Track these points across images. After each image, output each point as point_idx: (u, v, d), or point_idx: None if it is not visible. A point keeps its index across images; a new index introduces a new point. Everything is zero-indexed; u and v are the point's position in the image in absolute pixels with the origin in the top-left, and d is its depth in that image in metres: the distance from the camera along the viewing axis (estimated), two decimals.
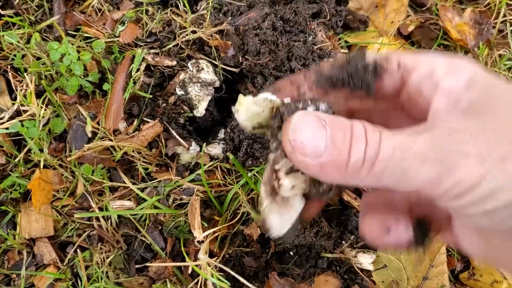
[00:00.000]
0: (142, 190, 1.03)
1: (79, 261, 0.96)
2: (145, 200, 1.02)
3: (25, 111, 1.03)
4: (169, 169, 1.07)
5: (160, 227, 1.02)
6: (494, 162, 0.38)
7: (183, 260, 1.00)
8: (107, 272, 0.96)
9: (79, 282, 0.95)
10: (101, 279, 0.94)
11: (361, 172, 0.41)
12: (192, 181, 1.05)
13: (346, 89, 0.51)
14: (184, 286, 0.97)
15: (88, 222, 1.02)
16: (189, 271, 0.98)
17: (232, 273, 0.95)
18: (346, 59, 0.51)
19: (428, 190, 0.40)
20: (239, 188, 1.02)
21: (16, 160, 1.01)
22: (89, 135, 1.00)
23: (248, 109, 0.50)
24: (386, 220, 0.52)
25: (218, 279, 0.92)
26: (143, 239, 1.01)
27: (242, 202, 1.03)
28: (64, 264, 0.97)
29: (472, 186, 0.38)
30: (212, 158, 1.10)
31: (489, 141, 0.39)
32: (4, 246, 0.96)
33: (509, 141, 0.39)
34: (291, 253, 1.09)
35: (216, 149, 1.11)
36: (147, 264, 0.97)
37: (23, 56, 1.08)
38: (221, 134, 1.14)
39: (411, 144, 0.40)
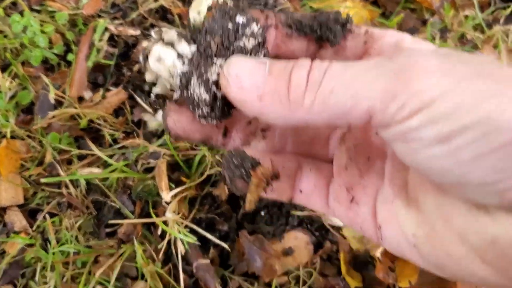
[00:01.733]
0: (110, 157, 1.05)
1: (48, 226, 0.97)
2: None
3: None
4: (136, 136, 1.08)
5: (129, 192, 1.03)
6: (461, 78, 0.32)
7: (153, 222, 1.01)
8: (76, 236, 0.97)
9: (49, 246, 0.96)
10: (71, 242, 0.96)
11: (305, 99, 0.37)
12: (160, 146, 1.06)
13: (310, 37, 0.48)
14: (153, 246, 0.98)
15: (58, 190, 1.03)
16: (159, 232, 0.99)
17: (200, 230, 0.97)
18: (319, 11, 0.49)
19: (379, 113, 0.35)
20: (206, 151, 1.04)
21: None
22: (52, 101, 1.01)
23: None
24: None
25: (185, 234, 0.93)
26: (113, 204, 1.03)
27: (209, 164, 1.04)
28: (34, 230, 0.98)
29: (431, 100, 0.32)
30: None
31: (455, 63, 0.34)
32: None
33: (476, 66, 0.34)
34: (262, 213, 1.10)
35: None
36: (116, 222, 0.98)
37: None
38: None
39: (364, 62, 0.37)
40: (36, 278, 0.94)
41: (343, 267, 1.03)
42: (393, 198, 0.44)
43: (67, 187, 1.03)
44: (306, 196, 0.50)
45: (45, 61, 1.08)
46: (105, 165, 1.06)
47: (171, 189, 0.99)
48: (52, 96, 1.00)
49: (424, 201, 0.40)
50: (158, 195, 1.02)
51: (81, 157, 1.06)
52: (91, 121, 1.05)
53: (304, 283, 1.01)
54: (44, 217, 0.99)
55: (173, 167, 1.07)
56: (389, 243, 0.44)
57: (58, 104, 1.05)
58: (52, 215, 1.00)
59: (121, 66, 1.11)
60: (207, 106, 0.43)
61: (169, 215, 0.96)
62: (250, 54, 0.44)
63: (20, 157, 1.00)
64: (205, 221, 1.05)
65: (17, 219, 0.99)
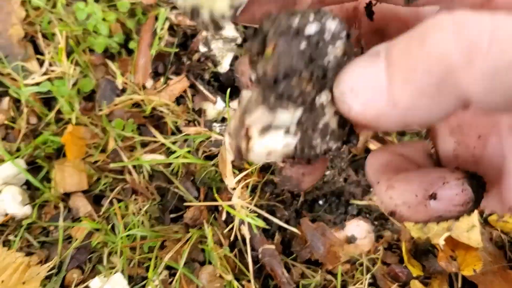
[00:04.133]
0: (173, 144, 1.05)
1: (114, 211, 0.97)
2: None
3: (54, 72, 1.05)
4: (197, 124, 1.09)
5: (192, 178, 1.03)
6: None
7: (217, 207, 1.01)
8: (142, 222, 0.97)
9: (116, 231, 0.96)
10: (137, 227, 0.96)
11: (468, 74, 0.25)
12: (220, 134, 1.07)
13: None
14: (220, 230, 0.97)
15: (121, 177, 1.03)
16: (223, 218, 0.99)
17: (266, 214, 0.97)
18: None
19: None
20: None
21: (48, 118, 1.03)
22: (120, 87, 1.02)
23: None
24: (427, 183, 0.36)
25: (253, 218, 0.93)
26: (176, 190, 1.03)
27: None
28: (100, 215, 0.98)
29: None
30: None
31: None
32: (40, 200, 0.97)
33: None
34: (321, 202, 1.10)
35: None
36: (186, 205, 0.98)
37: (49, 22, 1.10)
38: None
39: None
40: (104, 263, 0.93)
41: (405, 256, 1.03)
42: None
43: (130, 173, 1.04)
44: None
45: (105, 50, 1.09)
46: (168, 152, 1.06)
47: (234, 175, 1.00)
48: (119, 81, 1.01)
49: None
50: (221, 181, 1.02)
51: (143, 145, 1.06)
52: (153, 108, 1.06)
53: (368, 271, 1.01)
54: (110, 203, 0.99)
55: None
56: None
57: (121, 92, 1.05)
58: (116, 200, 1.00)
59: (180, 56, 1.12)
60: (336, 144, 0.34)
61: (235, 199, 0.96)
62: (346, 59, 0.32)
63: (84, 143, 1.01)
64: (266, 208, 1.05)
65: (81, 205, 0.99)
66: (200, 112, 1.11)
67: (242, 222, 0.98)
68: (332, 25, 0.31)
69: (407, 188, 0.36)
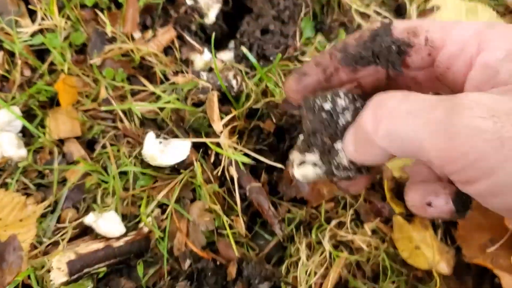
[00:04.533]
0: (162, 92, 1.09)
1: (107, 154, 1.01)
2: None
3: (46, 24, 1.09)
4: (185, 73, 1.13)
5: (181, 124, 1.08)
6: None
7: (206, 151, 1.05)
8: (135, 163, 1.02)
9: (109, 173, 1.00)
10: (129, 164, 1.00)
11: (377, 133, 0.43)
12: (208, 82, 1.11)
13: (374, 66, 0.52)
14: (209, 170, 1.02)
15: (113, 124, 1.07)
16: (212, 160, 1.04)
17: (253, 154, 1.01)
18: (371, 34, 0.51)
19: (437, 167, 0.40)
20: (253, 85, 1.08)
21: (41, 69, 1.07)
22: (109, 34, 1.06)
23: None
24: (426, 193, 0.49)
25: (239, 156, 0.97)
26: (166, 136, 1.07)
27: (255, 97, 1.09)
28: (93, 158, 1.03)
29: (490, 170, 0.34)
30: (224, 63, 1.16)
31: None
32: (36, 145, 1.01)
33: None
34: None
35: (227, 55, 1.17)
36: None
37: None
38: (231, 45, 1.21)
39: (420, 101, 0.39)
40: (98, 201, 0.98)
41: (387, 194, 1.08)
42: None
43: (122, 121, 1.08)
44: None
45: (95, 5, 1.13)
46: (157, 101, 1.11)
47: (221, 119, 1.04)
48: (109, 30, 1.05)
49: None
50: (209, 126, 1.06)
51: (133, 94, 1.11)
52: (142, 59, 1.10)
53: (351, 206, 1.05)
54: (103, 147, 1.03)
55: (220, 101, 1.11)
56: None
57: (111, 42, 1.09)
58: (109, 146, 1.04)
59: (168, 9, 1.16)
60: (350, 173, 0.52)
61: (222, 139, 1.00)
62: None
63: (76, 91, 1.05)
64: (253, 152, 1.10)
65: (75, 149, 1.03)
66: (187, 62, 1.15)
67: (230, 163, 1.02)
68: (342, 102, 0.49)
69: (414, 195, 0.50)
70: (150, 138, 1.01)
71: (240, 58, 1.17)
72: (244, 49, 1.08)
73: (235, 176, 1.01)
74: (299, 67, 0.61)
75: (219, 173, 1.03)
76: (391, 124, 0.40)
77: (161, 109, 1.10)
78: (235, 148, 1.00)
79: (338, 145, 0.50)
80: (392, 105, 0.40)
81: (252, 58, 1.07)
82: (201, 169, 1.01)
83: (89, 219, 0.93)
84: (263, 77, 1.07)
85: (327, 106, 0.49)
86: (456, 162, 0.35)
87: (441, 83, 0.50)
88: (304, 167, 0.55)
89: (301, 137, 0.57)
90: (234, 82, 1.08)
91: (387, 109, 0.41)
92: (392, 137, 0.40)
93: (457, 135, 0.34)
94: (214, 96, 1.03)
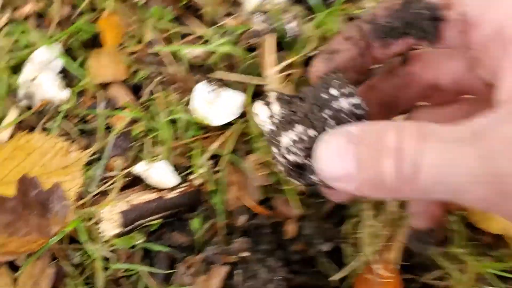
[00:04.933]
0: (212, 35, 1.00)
1: (154, 99, 0.93)
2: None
3: None
4: (236, 15, 1.04)
5: (233, 70, 0.99)
6: None
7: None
8: (185, 110, 0.94)
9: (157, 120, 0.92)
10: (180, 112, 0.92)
11: (403, 189, 0.35)
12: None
13: (407, 38, 0.47)
14: None
15: (159, 69, 0.99)
16: None
17: None
18: (402, 2, 0.46)
19: (484, 208, 0.35)
20: (313, 28, 0.99)
21: (82, 6, 0.98)
22: None
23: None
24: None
25: None
26: (215, 85, 0.98)
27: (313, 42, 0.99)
28: (140, 104, 0.95)
29: None
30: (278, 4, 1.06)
31: None
32: (78, 87, 0.93)
33: None
34: None
35: None
36: None
37: None
38: None
39: (459, 159, 0.32)
40: (147, 150, 0.90)
41: None
42: None
43: (169, 66, 0.99)
44: None
45: None
46: (206, 45, 1.02)
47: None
48: None
49: None
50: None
51: (180, 37, 1.02)
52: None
53: None
54: (150, 93, 0.95)
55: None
56: None
57: None
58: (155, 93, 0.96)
59: None
60: (283, 168, 0.49)
61: (274, 83, 0.92)
62: (345, 117, 0.44)
63: (121, 31, 0.96)
64: None
65: (120, 94, 0.95)
66: (239, 5, 1.05)
67: None
68: (347, 102, 0.45)
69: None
70: (200, 90, 0.92)
71: (294, 1, 1.07)
72: None
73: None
74: (324, 46, 0.53)
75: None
76: (429, 175, 0.33)
77: (210, 54, 1.01)
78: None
79: (299, 128, 0.46)
80: (432, 154, 0.33)
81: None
82: (254, 120, 0.93)
83: (139, 168, 0.85)
84: (323, 21, 0.97)
85: (334, 91, 0.45)
86: (506, 210, 0.33)
87: (478, 73, 0.44)
88: (261, 108, 0.51)
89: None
90: (290, 26, 0.98)
91: (426, 158, 0.33)
92: (426, 187, 0.34)
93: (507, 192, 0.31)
94: (270, 39, 0.93)
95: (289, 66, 0.98)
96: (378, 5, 0.48)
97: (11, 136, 0.89)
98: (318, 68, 0.50)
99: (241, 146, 0.94)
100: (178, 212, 0.87)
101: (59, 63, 0.94)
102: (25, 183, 0.81)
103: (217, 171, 0.92)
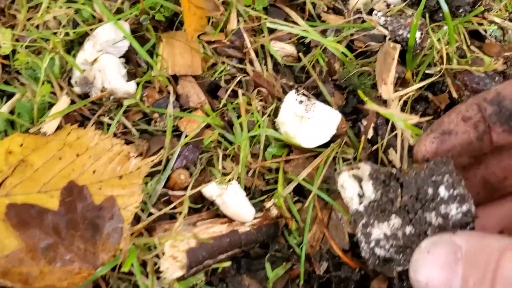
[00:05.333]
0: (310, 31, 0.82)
1: (233, 105, 0.76)
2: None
3: None
4: (339, 12, 0.85)
5: (332, 78, 0.81)
6: None
7: (357, 118, 0.79)
8: (267, 126, 0.76)
9: (234, 131, 0.75)
10: (262, 128, 0.75)
11: None
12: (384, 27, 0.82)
13: None
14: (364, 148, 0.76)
15: (241, 66, 0.82)
16: (369, 135, 0.78)
17: None
18: None
19: None
20: (438, 39, 0.80)
21: None
22: None
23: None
24: None
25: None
26: (305, 92, 0.81)
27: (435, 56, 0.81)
28: (215, 108, 0.78)
29: None
30: (388, 6, 0.87)
31: None
32: (145, 78, 0.76)
33: None
34: None
35: None
36: None
37: None
38: None
39: None
40: (219, 166, 0.74)
41: None
42: None
43: (252, 63, 0.82)
44: None
45: None
46: (301, 43, 0.84)
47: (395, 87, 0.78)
48: None
49: None
50: (372, 87, 0.79)
51: (270, 30, 0.84)
52: None
53: None
54: (230, 94, 0.78)
55: None
56: None
57: None
58: (235, 94, 0.79)
59: None
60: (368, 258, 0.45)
61: (395, 112, 0.73)
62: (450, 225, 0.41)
63: (205, 15, 0.78)
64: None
65: (193, 92, 0.78)
66: (345, 1, 0.87)
67: (391, 143, 0.77)
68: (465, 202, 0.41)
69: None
70: (290, 100, 0.75)
71: (412, 2, 0.87)
72: None
73: (397, 163, 0.76)
74: (436, 123, 0.47)
75: (371, 151, 0.78)
76: None
77: (304, 53, 0.83)
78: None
79: (396, 220, 0.43)
80: None
81: (443, 3, 0.77)
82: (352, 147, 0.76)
83: (211, 191, 0.69)
84: (451, 33, 0.78)
85: (444, 193, 0.41)
86: None
87: None
88: (350, 182, 0.47)
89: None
90: (416, 36, 0.79)
91: None
92: None
93: None
94: (395, 50, 0.75)
95: (404, 82, 0.80)
96: (504, 83, 0.44)
97: (58, 128, 0.72)
98: (427, 148, 0.46)
99: (333, 175, 0.77)
100: (250, 249, 0.71)
101: (125, 45, 0.77)
102: (72, 193, 0.66)
103: (298, 200, 0.76)
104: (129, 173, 0.71)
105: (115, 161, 0.71)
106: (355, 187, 0.47)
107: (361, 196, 0.46)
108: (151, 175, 0.72)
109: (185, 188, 0.72)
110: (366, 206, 0.45)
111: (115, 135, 0.74)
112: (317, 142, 0.74)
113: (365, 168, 0.47)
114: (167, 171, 0.72)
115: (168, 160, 0.73)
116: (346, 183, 0.47)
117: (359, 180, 0.47)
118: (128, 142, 0.74)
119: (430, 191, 0.42)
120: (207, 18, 0.80)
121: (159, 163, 0.73)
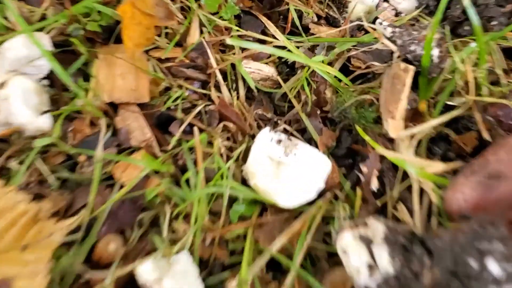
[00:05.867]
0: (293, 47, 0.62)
1: (190, 144, 0.57)
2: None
3: None
4: (334, 23, 0.66)
5: (322, 109, 0.61)
6: None
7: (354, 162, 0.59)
8: (234, 173, 0.57)
9: (190, 182, 0.56)
10: (226, 178, 0.55)
11: None
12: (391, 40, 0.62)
13: None
14: (364, 204, 0.56)
15: (203, 91, 0.62)
16: (374, 186, 0.58)
17: None
18: None
19: None
20: (462, 60, 0.60)
21: None
22: None
23: None
24: None
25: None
26: (287, 127, 0.61)
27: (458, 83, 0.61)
28: (165, 150, 0.58)
29: None
30: (398, 14, 0.68)
31: None
32: (69, 109, 0.57)
33: None
34: None
35: (406, 1, 0.68)
36: None
37: None
38: None
39: None
40: (165, 231, 0.54)
41: None
42: None
43: (218, 89, 0.62)
44: None
45: None
46: (281, 61, 0.64)
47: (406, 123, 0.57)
48: None
49: None
50: (376, 122, 0.59)
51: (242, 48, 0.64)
52: None
53: None
54: (184, 130, 0.58)
55: None
56: None
57: None
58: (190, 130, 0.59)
59: None
60: None
61: (408, 157, 0.53)
62: None
63: (153, 25, 0.59)
64: None
65: (137, 126, 0.59)
66: (340, 8, 0.67)
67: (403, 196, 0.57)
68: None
69: None
70: (263, 140, 0.55)
71: (429, 11, 0.68)
72: None
73: (418, 224, 0.55)
74: (477, 164, 0.38)
75: (375, 208, 0.57)
76: None
77: (286, 76, 0.64)
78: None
79: None
80: None
81: (472, 13, 0.57)
82: (343, 206, 0.56)
83: (144, 272, 0.49)
84: (482, 52, 0.58)
85: (495, 268, 0.30)
86: None
87: None
88: (357, 246, 0.36)
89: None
90: (432, 53, 0.59)
91: None
92: None
93: None
94: (406, 72, 0.55)
95: (417, 116, 0.60)
96: None
97: None
98: (466, 197, 0.36)
99: (318, 246, 0.57)
100: None
101: (46, 64, 0.57)
102: None
103: (274, 277, 0.55)
104: (37, 242, 0.51)
105: (20, 223, 0.51)
106: (363, 254, 0.37)
107: (372, 267, 0.36)
108: (69, 244, 0.52)
109: (117, 264, 0.52)
110: (381, 284, 0.35)
111: (27, 186, 0.55)
112: (298, 200, 0.55)
113: (377, 227, 0.37)
114: (91, 239, 0.52)
115: (93, 223, 0.53)
116: (350, 247, 0.38)
117: (368, 243, 0.37)
118: (43, 196, 0.54)
119: (473, 263, 0.32)
120: (157, 28, 0.60)
121: (89, 225, 0.53)
